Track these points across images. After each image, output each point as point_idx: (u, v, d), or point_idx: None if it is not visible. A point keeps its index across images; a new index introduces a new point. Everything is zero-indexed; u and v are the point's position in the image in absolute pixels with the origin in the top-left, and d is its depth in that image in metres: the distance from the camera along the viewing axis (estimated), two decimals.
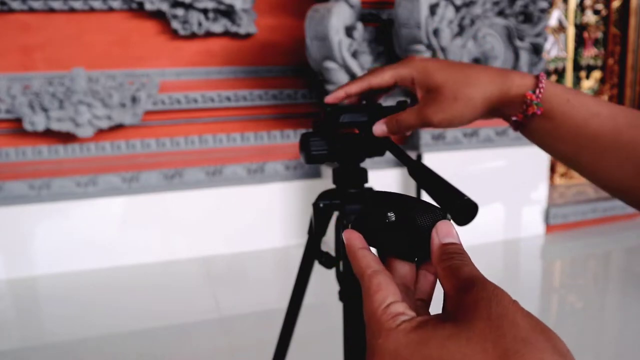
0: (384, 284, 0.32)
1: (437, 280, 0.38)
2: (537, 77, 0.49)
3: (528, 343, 0.24)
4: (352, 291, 0.67)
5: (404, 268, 0.36)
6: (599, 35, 3.13)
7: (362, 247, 0.36)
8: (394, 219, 0.35)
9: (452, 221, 0.34)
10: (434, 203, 0.38)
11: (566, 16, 3.02)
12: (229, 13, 2.28)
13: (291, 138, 2.45)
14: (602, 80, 3.18)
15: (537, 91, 0.48)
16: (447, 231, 0.33)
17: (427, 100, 0.52)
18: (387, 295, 0.31)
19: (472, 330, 0.25)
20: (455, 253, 0.32)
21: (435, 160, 2.21)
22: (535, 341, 0.24)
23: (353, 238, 0.36)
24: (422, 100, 0.53)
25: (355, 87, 0.57)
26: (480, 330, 0.25)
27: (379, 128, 0.57)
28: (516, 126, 0.51)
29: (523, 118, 0.50)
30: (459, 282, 0.29)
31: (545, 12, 2.27)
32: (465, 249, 0.32)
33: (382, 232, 0.36)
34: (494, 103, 0.50)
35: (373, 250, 0.38)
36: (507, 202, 2.41)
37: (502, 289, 0.28)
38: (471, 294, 0.27)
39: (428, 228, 0.34)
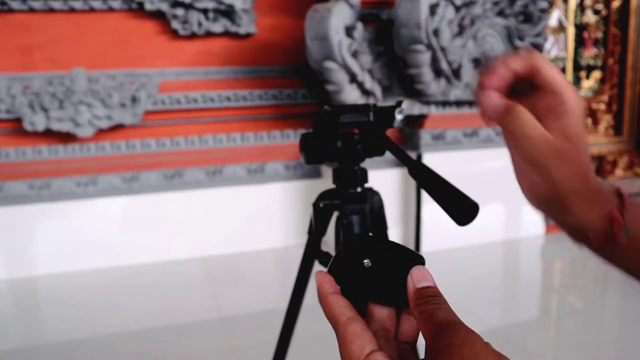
0: (359, 333, 0.32)
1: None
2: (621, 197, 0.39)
3: None
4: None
5: (382, 312, 0.36)
6: (599, 35, 3.13)
7: (333, 291, 0.36)
8: (370, 265, 0.36)
9: (425, 266, 0.34)
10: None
11: (566, 16, 3.02)
12: (229, 13, 2.28)
13: (291, 138, 2.46)
14: (602, 80, 3.18)
15: (624, 214, 0.39)
16: (421, 276, 0.33)
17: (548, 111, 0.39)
18: (363, 344, 0.32)
19: None
20: (430, 296, 0.32)
21: (435, 160, 2.21)
22: None
23: (324, 282, 0.36)
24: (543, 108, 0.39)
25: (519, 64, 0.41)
26: None
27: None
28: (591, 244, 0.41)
29: (602, 240, 0.40)
30: (433, 327, 0.30)
31: (545, 12, 2.27)
32: (440, 292, 0.33)
33: (359, 278, 0.36)
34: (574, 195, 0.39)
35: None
36: (507, 202, 2.41)
37: (474, 333, 0.28)
38: (444, 340, 0.28)
39: (404, 274, 0.34)
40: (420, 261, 0.34)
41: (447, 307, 0.31)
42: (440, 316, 0.30)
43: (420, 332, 0.32)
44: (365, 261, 0.36)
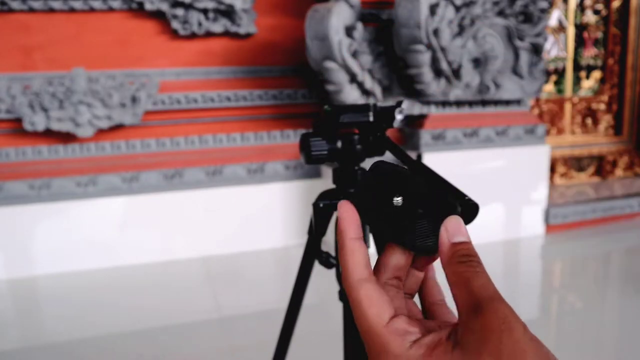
0: (376, 297, 0.30)
1: (424, 279, 0.36)
2: None
3: None
4: None
5: (400, 258, 0.33)
6: (599, 35, 3.13)
7: (354, 237, 0.32)
8: (400, 203, 0.32)
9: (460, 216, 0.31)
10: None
11: (566, 16, 3.02)
12: (229, 13, 2.28)
13: (291, 138, 2.46)
14: (602, 80, 3.18)
15: None
16: (457, 228, 0.30)
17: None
18: (382, 310, 0.29)
19: None
20: (466, 256, 0.29)
21: (435, 160, 2.21)
22: None
23: (346, 219, 0.32)
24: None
25: None
26: None
27: None
28: None
29: None
30: (470, 298, 0.27)
31: (545, 12, 2.27)
32: (475, 249, 0.30)
33: (385, 215, 0.32)
34: None
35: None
36: (507, 202, 2.41)
37: (514, 315, 0.25)
38: (481, 318, 0.25)
39: (437, 221, 0.30)
40: (456, 209, 0.30)
41: (484, 272, 0.28)
42: (477, 286, 0.27)
43: (451, 292, 0.29)
44: (396, 198, 0.32)
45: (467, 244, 0.30)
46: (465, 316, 0.27)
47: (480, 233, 2.33)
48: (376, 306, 0.29)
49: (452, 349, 0.26)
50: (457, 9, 2.10)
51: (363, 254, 0.32)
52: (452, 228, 0.30)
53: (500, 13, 2.21)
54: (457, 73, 2.15)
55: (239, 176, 2.35)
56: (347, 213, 0.33)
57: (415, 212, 0.31)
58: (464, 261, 0.29)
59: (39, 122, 2.08)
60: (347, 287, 0.31)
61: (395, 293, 0.33)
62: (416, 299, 0.36)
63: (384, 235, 0.33)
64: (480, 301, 0.26)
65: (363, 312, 0.29)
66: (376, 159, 0.69)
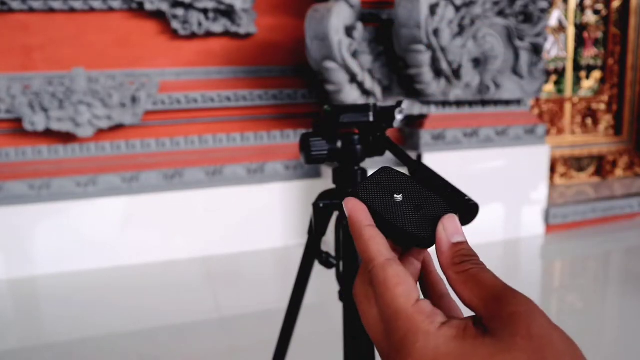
0: (403, 276, 0.29)
1: (427, 273, 0.36)
2: None
3: None
4: (352, 291, 0.67)
5: (396, 251, 0.33)
6: (599, 35, 3.13)
7: (369, 224, 0.32)
8: (400, 200, 0.33)
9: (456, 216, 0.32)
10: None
11: (566, 16, 3.02)
12: (229, 13, 2.28)
13: (291, 138, 2.46)
14: (602, 80, 3.18)
15: None
16: (454, 228, 0.31)
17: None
18: (410, 289, 0.29)
19: (515, 350, 0.24)
20: (468, 256, 0.30)
21: (435, 160, 2.21)
22: None
23: (358, 210, 0.33)
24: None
25: None
26: (523, 351, 0.24)
27: None
28: None
29: None
30: (486, 292, 0.27)
31: (545, 12, 2.27)
32: (472, 248, 0.31)
33: (384, 210, 0.33)
34: None
35: None
36: (507, 202, 2.41)
37: (533, 302, 0.26)
38: (506, 306, 0.26)
39: (434, 218, 0.31)
40: (451, 209, 0.31)
41: (487, 269, 0.29)
42: (489, 279, 0.28)
43: (458, 292, 0.29)
44: (396, 195, 0.33)
45: (466, 244, 0.30)
46: (486, 309, 0.27)
47: (480, 233, 2.34)
48: (404, 285, 0.29)
49: (482, 335, 0.26)
50: (457, 9, 2.10)
51: (383, 238, 0.32)
52: (450, 228, 0.31)
53: (500, 13, 2.21)
54: (457, 73, 2.15)
55: (239, 176, 2.35)
56: (355, 205, 0.33)
57: (412, 205, 0.33)
58: (467, 260, 0.29)
59: (39, 122, 2.08)
60: (373, 270, 0.30)
61: None
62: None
63: (382, 232, 0.34)
64: (498, 292, 0.27)
65: (390, 291, 0.29)
66: (376, 159, 0.69)
